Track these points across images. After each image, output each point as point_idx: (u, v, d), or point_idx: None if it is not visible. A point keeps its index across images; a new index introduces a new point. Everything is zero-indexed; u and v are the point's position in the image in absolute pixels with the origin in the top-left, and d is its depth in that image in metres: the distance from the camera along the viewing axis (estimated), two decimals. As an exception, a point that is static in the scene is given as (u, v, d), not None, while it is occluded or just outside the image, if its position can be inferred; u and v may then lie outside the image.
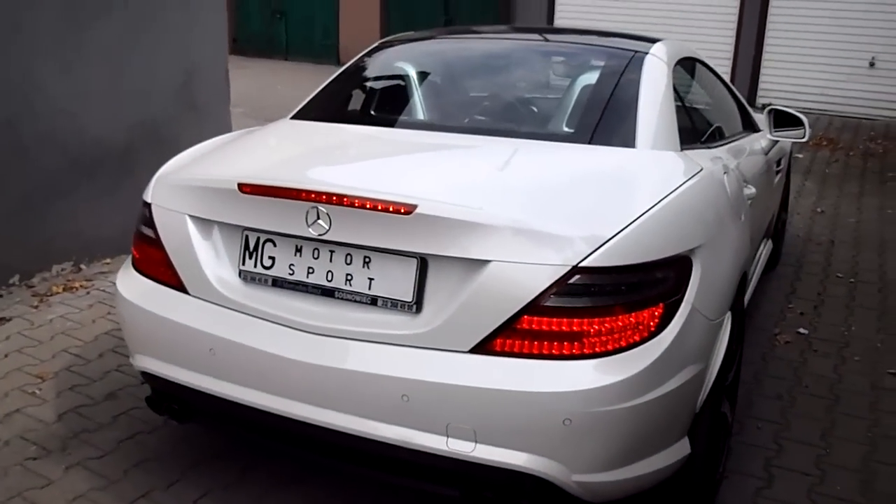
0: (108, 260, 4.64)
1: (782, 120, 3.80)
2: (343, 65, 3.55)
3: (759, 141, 3.78)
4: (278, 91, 11.60)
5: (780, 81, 11.13)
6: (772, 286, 4.65)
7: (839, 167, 7.92)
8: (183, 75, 4.94)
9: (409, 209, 2.01)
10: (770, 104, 10.97)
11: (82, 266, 4.52)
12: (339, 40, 14.72)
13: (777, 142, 3.97)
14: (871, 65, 10.53)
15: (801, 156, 8.24)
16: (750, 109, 4.07)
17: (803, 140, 3.82)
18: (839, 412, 3.27)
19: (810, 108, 10.87)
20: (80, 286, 4.28)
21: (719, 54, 11.40)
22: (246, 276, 2.31)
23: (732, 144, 3.32)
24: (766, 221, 3.95)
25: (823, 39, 10.72)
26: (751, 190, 3.07)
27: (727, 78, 11.24)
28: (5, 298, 4.08)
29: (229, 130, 5.30)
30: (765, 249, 4.21)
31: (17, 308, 3.98)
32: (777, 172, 4.20)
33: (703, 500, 2.57)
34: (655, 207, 2.17)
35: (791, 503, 2.67)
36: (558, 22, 12.56)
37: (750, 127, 3.90)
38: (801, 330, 4.07)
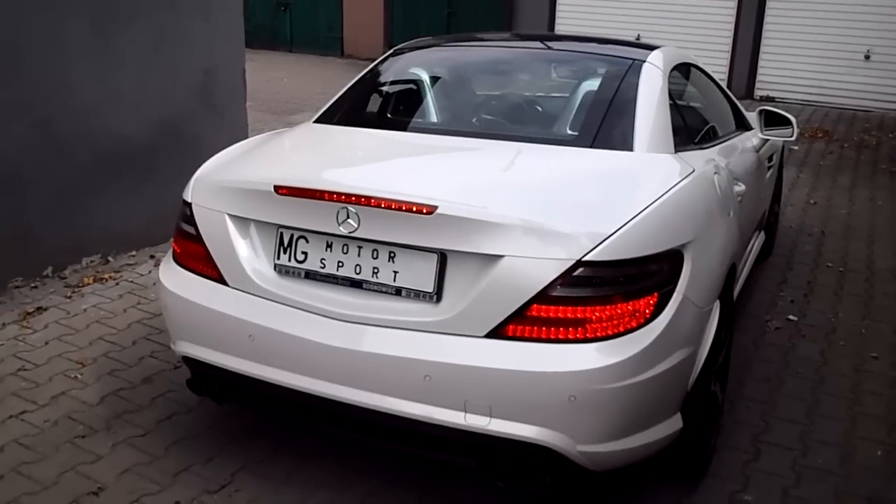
0: (133, 252, 4.88)
1: (772, 120, 4.02)
2: (348, 57, 3.78)
3: (751, 139, 4.01)
4: (285, 84, 11.81)
5: (777, 74, 11.34)
6: (764, 275, 4.89)
7: (833, 159, 8.14)
8: (203, 76, 5.17)
9: (430, 209, 2.25)
10: (768, 96, 11.16)
11: (110, 258, 4.76)
12: (343, 32, 14.91)
13: (768, 139, 4.20)
14: (867, 57, 10.74)
15: (796, 147, 8.46)
16: (742, 109, 4.29)
17: (791, 139, 4.05)
18: (823, 392, 3.51)
19: (807, 100, 11.08)
20: (110, 277, 4.52)
21: (718, 48, 11.60)
22: (281, 270, 2.55)
23: (724, 144, 3.55)
24: (758, 215, 4.18)
25: (820, 32, 10.92)
26: (741, 187, 3.30)
27: (726, 70, 11.51)
28: (40, 289, 4.32)
29: (246, 128, 5.54)
30: (757, 241, 4.44)
31: (52, 298, 4.22)
32: (769, 168, 4.43)
33: (696, 471, 2.83)
34: (651, 206, 2.41)
35: (775, 474, 2.92)
36: (560, 14, 12.72)
37: (742, 126, 4.12)
38: (791, 317, 4.31)
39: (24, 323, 3.93)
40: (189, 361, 2.79)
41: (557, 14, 12.76)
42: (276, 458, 2.93)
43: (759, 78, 11.48)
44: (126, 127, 4.74)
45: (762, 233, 4.65)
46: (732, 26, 11.51)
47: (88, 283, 4.43)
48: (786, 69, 11.27)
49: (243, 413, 3.18)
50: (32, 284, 4.34)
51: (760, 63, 11.43)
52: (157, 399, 3.31)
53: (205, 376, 2.78)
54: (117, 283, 4.46)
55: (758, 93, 11.42)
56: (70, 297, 4.25)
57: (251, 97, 9.44)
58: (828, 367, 3.75)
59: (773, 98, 11.19)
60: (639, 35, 11.69)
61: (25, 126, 4.21)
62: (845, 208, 6.42)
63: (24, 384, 3.38)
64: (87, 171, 4.57)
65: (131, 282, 4.49)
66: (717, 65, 11.47)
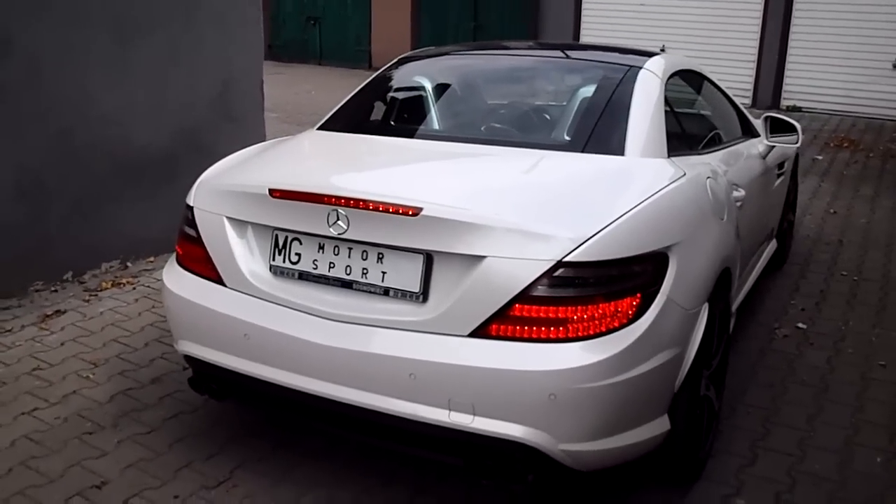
0: (151, 258, 4.99)
1: (777, 126, 4.02)
2: (375, 69, 3.86)
3: (756, 146, 4.00)
4: (312, 96, 11.98)
5: (804, 83, 11.24)
6: (777, 284, 4.86)
7: (858, 168, 8.05)
8: (221, 87, 5.30)
9: (415, 211, 2.31)
10: (794, 106, 11.06)
11: (128, 264, 4.88)
12: (371, 46, 15.11)
13: (775, 147, 4.17)
14: (895, 66, 10.60)
15: (820, 157, 8.39)
16: (749, 116, 4.29)
17: (796, 146, 4.03)
18: (827, 400, 3.49)
19: (834, 110, 10.97)
20: (127, 282, 4.65)
21: (744, 58, 11.54)
22: (276, 271, 2.62)
23: (726, 150, 3.56)
24: (765, 221, 4.16)
25: (846, 41, 10.81)
26: (740, 192, 3.31)
27: (752, 80, 11.41)
28: (60, 293, 4.45)
29: (264, 138, 5.64)
30: (767, 249, 4.43)
31: (71, 301, 4.35)
32: (779, 175, 4.41)
33: (688, 474, 2.83)
34: (635, 209, 2.44)
35: (770, 479, 2.91)
36: (584, 29, 12.75)
37: (748, 133, 4.12)
38: (800, 324, 4.28)
39: (43, 325, 4.05)
40: (190, 360, 2.87)
41: (582, 27, 12.79)
42: (275, 457, 2.99)
43: (785, 88, 11.38)
44: (145, 136, 4.87)
45: (774, 241, 4.63)
46: (758, 36, 11.44)
47: (107, 288, 4.55)
48: (812, 79, 11.17)
49: (246, 412, 3.25)
50: (52, 288, 4.48)
51: (787, 73, 11.34)
52: (164, 398, 3.40)
53: (205, 375, 2.85)
54: (134, 288, 4.58)
55: (784, 103, 11.33)
56: (88, 301, 4.37)
57: (278, 108, 9.62)
58: (833, 375, 3.72)
59: (800, 108, 11.10)
60: (664, 46, 11.67)
61: (47, 135, 4.36)
62: (865, 218, 6.35)
63: (39, 383, 3.49)
64: (107, 179, 4.70)
65: (148, 286, 4.60)
66: (742, 75, 11.42)
